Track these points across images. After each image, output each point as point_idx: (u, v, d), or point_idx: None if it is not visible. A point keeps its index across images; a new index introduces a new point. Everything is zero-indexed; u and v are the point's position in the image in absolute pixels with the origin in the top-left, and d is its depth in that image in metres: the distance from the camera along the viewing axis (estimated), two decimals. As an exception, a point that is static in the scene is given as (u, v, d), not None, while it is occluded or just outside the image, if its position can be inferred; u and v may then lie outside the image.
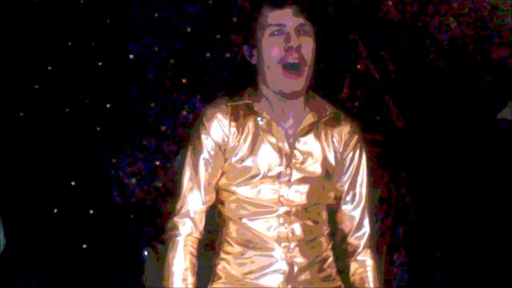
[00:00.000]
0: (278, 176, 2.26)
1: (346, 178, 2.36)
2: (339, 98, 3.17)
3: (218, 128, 2.29)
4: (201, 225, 2.30)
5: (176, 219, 2.29)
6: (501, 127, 3.23)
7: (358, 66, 3.25)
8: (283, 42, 2.23)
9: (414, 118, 3.26)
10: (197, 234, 2.29)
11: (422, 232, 3.24)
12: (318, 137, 2.33)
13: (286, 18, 2.24)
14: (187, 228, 2.28)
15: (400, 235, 3.23)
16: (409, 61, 3.24)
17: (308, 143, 2.31)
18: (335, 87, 3.18)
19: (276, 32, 2.24)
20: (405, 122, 3.26)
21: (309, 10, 2.25)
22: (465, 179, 3.19)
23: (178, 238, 2.27)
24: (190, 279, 2.24)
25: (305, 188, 2.28)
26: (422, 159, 3.23)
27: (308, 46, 2.25)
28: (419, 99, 3.25)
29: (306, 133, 2.31)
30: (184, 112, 3.12)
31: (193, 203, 2.29)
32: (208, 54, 3.14)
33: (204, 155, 2.29)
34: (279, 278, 2.26)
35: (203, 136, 2.29)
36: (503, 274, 3.16)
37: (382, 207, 3.20)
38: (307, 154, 2.30)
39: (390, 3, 3.21)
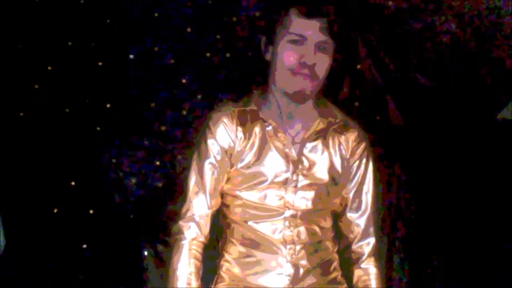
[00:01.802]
0: (285, 182, 2.25)
1: (352, 186, 2.35)
2: (339, 98, 3.17)
3: (224, 132, 2.27)
4: (206, 229, 2.29)
5: (181, 223, 2.29)
6: (501, 127, 3.23)
7: (358, 66, 3.25)
8: (300, 55, 2.18)
9: (414, 118, 3.26)
10: (202, 238, 2.28)
11: (422, 232, 3.24)
12: (325, 143, 2.31)
13: (310, 31, 2.18)
14: (192, 232, 2.27)
15: (400, 235, 3.23)
16: (409, 61, 3.24)
17: (316, 149, 2.29)
18: (335, 87, 3.18)
19: (295, 41, 2.19)
20: (405, 122, 3.26)
21: (335, 28, 2.19)
22: (465, 179, 3.19)
23: (183, 242, 2.26)
24: (195, 284, 2.24)
25: (311, 194, 2.27)
26: (422, 159, 3.23)
27: (323, 64, 2.21)
28: (419, 99, 3.25)
29: (314, 139, 2.29)
30: (184, 112, 3.12)
31: (198, 207, 2.28)
32: (208, 54, 3.14)
33: (210, 160, 2.28)
34: (284, 281, 2.26)
35: (209, 141, 2.28)
36: (503, 274, 3.16)
37: (382, 207, 3.20)
38: (314, 161, 2.28)
39: (390, 3, 3.21)
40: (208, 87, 3.13)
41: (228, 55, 3.15)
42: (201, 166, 2.29)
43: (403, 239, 3.23)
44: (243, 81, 3.08)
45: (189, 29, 3.14)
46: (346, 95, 3.23)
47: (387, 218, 3.22)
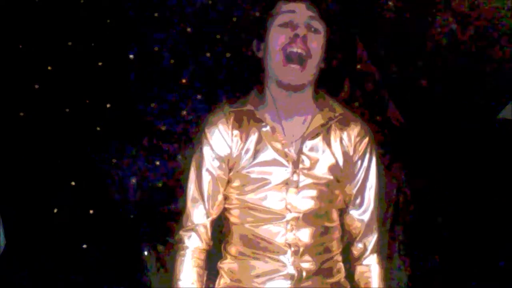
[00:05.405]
0: (286, 183, 2.21)
1: (356, 182, 2.31)
2: (339, 98, 3.17)
3: (220, 139, 2.25)
4: (207, 236, 2.29)
5: (181, 232, 2.29)
6: (501, 127, 3.23)
7: (358, 66, 3.25)
8: (290, 31, 2.18)
9: (414, 118, 3.26)
10: (203, 246, 2.28)
11: (422, 232, 3.24)
12: (327, 139, 2.26)
13: (298, 9, 2.20)
14: (193, 241, 2.27)
15: (400, 235, 3.23)
16: (409, 61, 3.24)
17: (316, 146, 2.25)
18: (335, 87, 3.18)
19: (285, 23, 2.20)
20: (405, 122, 3.26)
21: (322, 7, 2.22)
22: (465, 179, 3.19)
23: (185, 251, 2.27)
24: None
25: (313, 193, 2.23)
26: (422, 159, 3.23)
27: (316, 41, 2.20)
28: (419, 99, 3.25)
29: (314, 136, 2.25)
30: (184, 112, 3.12)
31: (197, 216, 2.28)
32: (208, 54, 3.14)
33: (207, 166, 2.27)
34: (286, 284, 2.23)
35: (204, 148, 2.27)
36: (503, 273, 3.16)
37: (382, 207, 3.20)
38: (315, 159, 2.24)
39: (390, 3, 3.21)
40: (208, 87, 3.13)
41: (228, 55, 3.15)
42: (198, 174, 2.28)
43: (403, 239, 3.23)
44: (243, 81, 3.08)
45: (189, 29, 3.14)
46: (346, 95, 3.23)
47: (387, 219, 3.22)
